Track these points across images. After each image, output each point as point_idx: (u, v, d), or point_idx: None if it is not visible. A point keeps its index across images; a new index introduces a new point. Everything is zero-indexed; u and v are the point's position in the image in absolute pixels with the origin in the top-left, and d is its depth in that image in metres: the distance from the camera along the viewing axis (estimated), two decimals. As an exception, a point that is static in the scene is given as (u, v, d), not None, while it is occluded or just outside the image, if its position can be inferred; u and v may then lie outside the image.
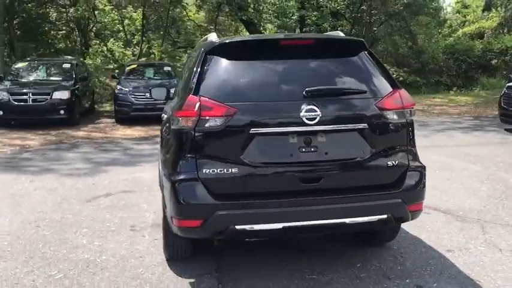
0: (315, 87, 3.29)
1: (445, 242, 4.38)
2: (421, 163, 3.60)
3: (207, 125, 3.22)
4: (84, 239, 4.52)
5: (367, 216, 3.33)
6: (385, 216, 3.35)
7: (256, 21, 18.70)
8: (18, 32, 23.70)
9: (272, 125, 3.26)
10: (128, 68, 15.15)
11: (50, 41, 26.27)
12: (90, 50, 29.70)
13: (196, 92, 3.31)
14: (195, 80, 3.40)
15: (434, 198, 5.70)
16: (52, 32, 27.70)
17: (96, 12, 30.25)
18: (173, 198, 3.27)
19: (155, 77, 14.95)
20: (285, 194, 3.26)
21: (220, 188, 3.23)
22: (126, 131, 11.99)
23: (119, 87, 13.49)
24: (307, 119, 3.21)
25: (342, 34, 4.14)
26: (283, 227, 3.23)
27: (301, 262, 3.95)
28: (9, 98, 12.27)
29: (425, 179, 3.58)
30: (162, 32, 26.49)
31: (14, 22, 23.36)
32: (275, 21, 20.12)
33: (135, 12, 29.88)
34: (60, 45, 26.92)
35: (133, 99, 12.85)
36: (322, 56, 3.59)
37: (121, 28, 31.62)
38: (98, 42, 32.09)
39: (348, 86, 3.46)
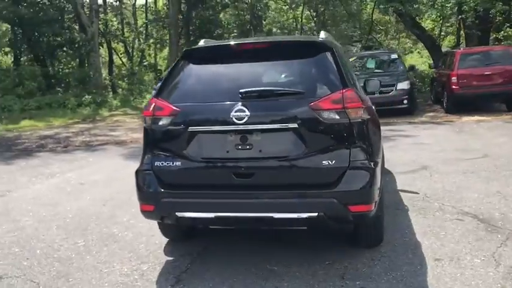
0: (248, 89, 3.50)
1: (444, 250, 4.06)
2: (369, 164, 3.50)
3: (160, 123, 3.71)
4: (125, 217, 5.37)
5: (295, 212, 3.41)
6: (315, 214, 3.39)
7: (404, 11, 17.83)
8: (192, 38, 26.70)
9: (208, 123, 3.58)
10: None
11: (222, 43, 28.84)
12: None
13: (157, 95, 3.82)
14: (161, 83, 3.92)
15: (487, 204, 5.19)
16: (225, 35, 30.44)
17: (273, 13, 32.33)
18: (136, 185, 3.85)
19: (377, 68, 14.50)
20: (220, 187, 3.56)
21: (167, 179, 3.68)
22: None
23: None
24: (236, 118, 3.46)
25: (322, 36, 4.17)
26: (215, 216, 3.54)
27: (274, 253, 4.13)
28: None
29: (373, 180, 3.47)
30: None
31: (190, 28, 26.40)
32: (427, 10, 18.90)
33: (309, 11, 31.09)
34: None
35: None
36: (275, 58, 3.75)
37: (294, 26, 33.13)
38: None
39: (284, 87, 3.55)
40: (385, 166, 7.26)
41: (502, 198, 5.35)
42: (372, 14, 23.59)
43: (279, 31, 33.60)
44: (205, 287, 3.65)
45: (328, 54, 3.70)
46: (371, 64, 14.80)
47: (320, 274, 3.75)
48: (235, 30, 31.07)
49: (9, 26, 22.30)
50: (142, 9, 29.39)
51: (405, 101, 13.25)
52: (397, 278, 3.62)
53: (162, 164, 3.68)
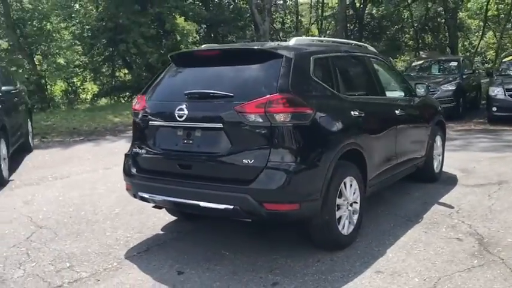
0: (189, 91, 3.97)
1: (396, 265, 3.88)
2: (290, 167, 3.64)
3: (138, 116, 4.41)
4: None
5: (215, 203, 3.76)
6: (231, 206, 3.69)
7: None
8: (365, 34, 26.54)
9: (160, 119, 4.17)
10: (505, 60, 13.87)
11: (398, 40, 28.01)
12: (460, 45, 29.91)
13: (143, 92, 4.53)
14: (150, 82, 4.61)
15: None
16: (405, 30, 29.40)
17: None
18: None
19: None
20: (167, 174, 4.10)
21: (138, 164, 4.36)
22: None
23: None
24: (178, 116, 3.95)
25: (291, 43, 4.31)
26: (162, 199, 4.12)
27: (242, 242, 4.49)
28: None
29: (290, 181, 3.59)
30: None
31: (363, 23, 26.34)
32: None
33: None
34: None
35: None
36: (231, 64, 4.09)
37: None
38: (462, 35, 31.80)
39: (218, 90, 3.87)
40: (461, 178, 6.70)
41: (539, 225, 4.65)
42: None
43: (481, 23, 30.93)
44: (161, 258, 4.22)
45: (276, 61, 3.89)
46: None
47: (256, 265, 3.99)
48: (415, 25, 29.69)
49: (196, 26, 25.41)
50: (318, 6, 30.27)
51: None
52: (317, 280, 3.67)
53: (136, 151, 4.39)
